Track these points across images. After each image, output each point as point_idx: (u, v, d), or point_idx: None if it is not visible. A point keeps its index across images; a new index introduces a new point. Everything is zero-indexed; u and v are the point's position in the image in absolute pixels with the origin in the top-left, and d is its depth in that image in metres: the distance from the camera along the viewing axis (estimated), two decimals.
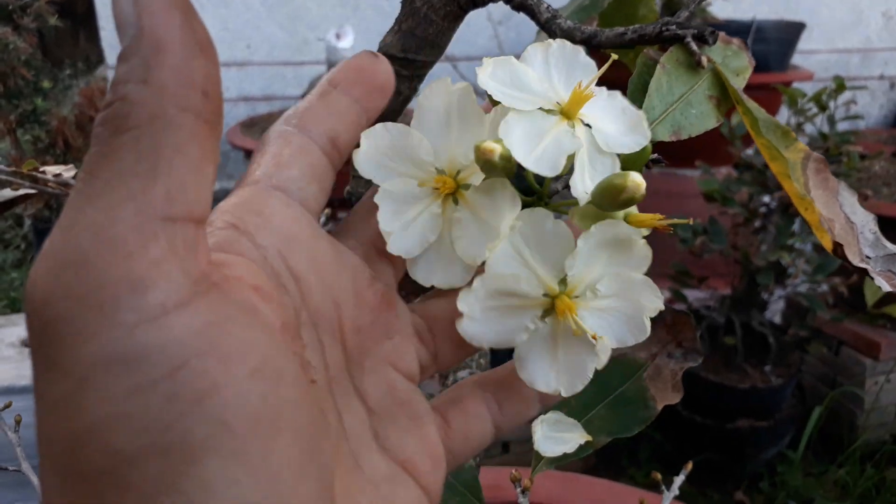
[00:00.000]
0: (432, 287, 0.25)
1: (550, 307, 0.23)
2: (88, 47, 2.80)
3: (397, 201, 0.24)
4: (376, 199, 0.24)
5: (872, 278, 0.26)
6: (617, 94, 0.24)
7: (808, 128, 1.32)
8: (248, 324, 0.18)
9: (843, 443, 1.55)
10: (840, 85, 1.21)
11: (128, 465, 0.16)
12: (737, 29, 2.03)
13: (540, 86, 0.23)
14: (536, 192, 0.24)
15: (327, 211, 0.60)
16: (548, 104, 0.23)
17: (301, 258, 0.21)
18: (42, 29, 2.06)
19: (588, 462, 1.51)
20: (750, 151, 1.61)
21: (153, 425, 0.16)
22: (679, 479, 0.39)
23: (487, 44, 2.20)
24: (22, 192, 0.50)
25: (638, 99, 0.26)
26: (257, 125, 2.12)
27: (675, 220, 0.22)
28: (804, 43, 2.49)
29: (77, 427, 0.16)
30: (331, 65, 2.00)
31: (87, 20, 2.95)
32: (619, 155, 0.23)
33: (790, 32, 2.11)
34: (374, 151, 0.24)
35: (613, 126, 0.23)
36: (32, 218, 2.10)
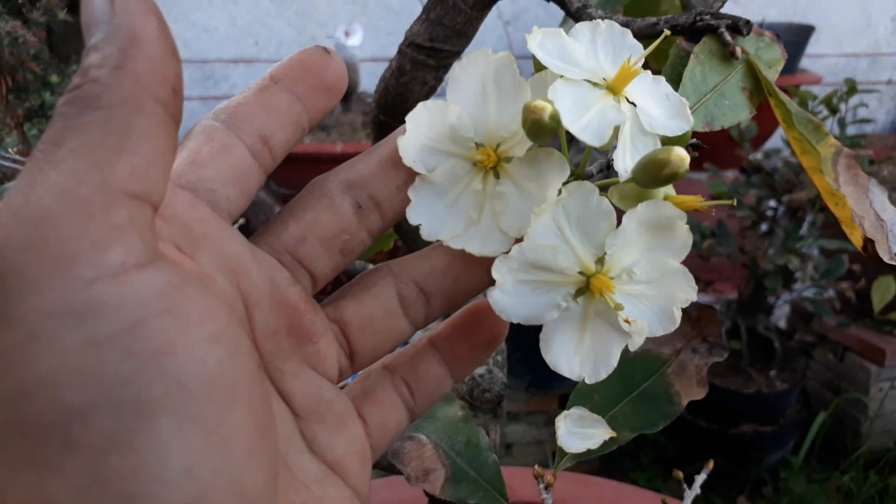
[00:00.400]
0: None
1: (584, 286, 0.22)
2: None
3: (435, 189, 0.23)
4: (410, 193, 0.23)
5: None
6: (661, 79, 0.23)
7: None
8: (206, 293, 0.18)
9: (847, 449, 1.54)
10: (851, 88, 1.21)
11: (78, 420, 0.16)
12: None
13: (587, 61, 0.23)
14: (572, 173, 0.23)
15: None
16: (595, 78, 0.22)
17: (206, 259, 0.20)
18: (51, 23, 2.06)
19: (591, 465, 1.50)
20: (759, 155, 1.61)
21: (107, 380, 0.16)
22: (701, 478, 0.39)
23: (497, 44, 2.20)
24: None
25: (673, 86, 0.26)
26: None
27: (718, 202, 0.22)
28: (813, 46, 2.48)
29: (25, 379, 0.16)
30: None
31: None
32: (660, 138, 0.22)
33: (799, 35, 2.11)
34: (417, 134, 0.23)
35: (657, 109, 0.23)
36: None
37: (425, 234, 0.23)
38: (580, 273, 0.22)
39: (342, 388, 0.25)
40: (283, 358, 0.22)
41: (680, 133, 0.22)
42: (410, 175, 0.24)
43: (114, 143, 0.17)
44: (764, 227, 1.37)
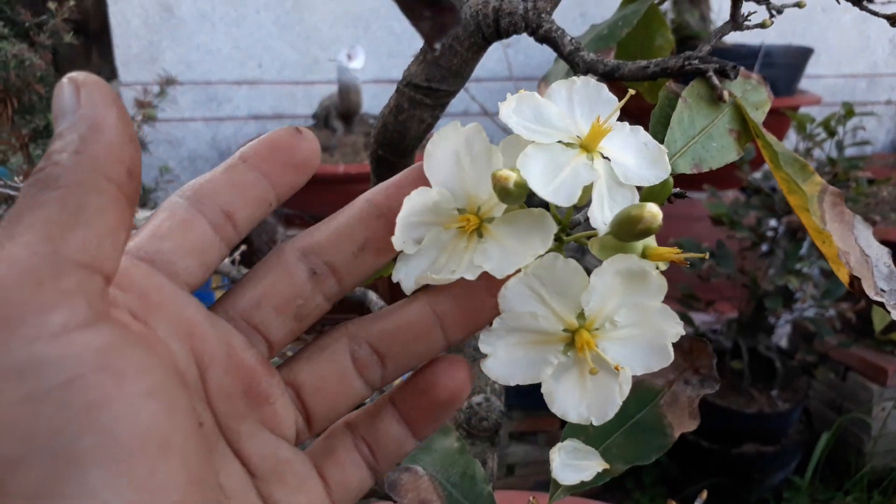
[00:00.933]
0: None
1: (572, 341, 0.23)
2: (101, 64, 2.83)
3: (421, 252, 0.24)
4: (399, 258, 0.24)
5: (889, 311, 0.26)
6: (639, 129, 0.24)
7: (817, 153, 1.32)
8: (147, 352, 0.19)
9: (851, 469, 1.54)
10: (849, 111, 1.22)
11: (10, 470, 0.16)
12: (745, 54, 2.05)
13: (562, 121, 0.24)
14: (558, 223, 0.24)
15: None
16: (568, 138, 0.23)
17: (161, 324, 0.21)
18: (57, 46, 2.08)
19: (594, 488, 1.50)
20: (758, 175, 1.62)
21: (41, 431, 0.17)
22: None
23: (496, 66, 2.22)
24: None
25: (660, 132, 0.27)
26: None
27: (693, 255, 0.23)
28: (812, 67, 2.50)
29: None
30: (341, 85, 2.01)
31: (100, 37, 2.97)
32: (641, 189, 0.23)
33: (798, 57, 2.12)
34: (403, 218, 0.24)
35: (634, 159, 0.24)
36: None
37: (407, 289, 0.24)
38: (565, 330, 0.23)
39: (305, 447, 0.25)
40: (239, 419, 0.23)
41: (657, 182, 0.23)
42: (367, 240, 0.24)
43: (68, 218, 0.18)
44: (764, 247, 1.38)
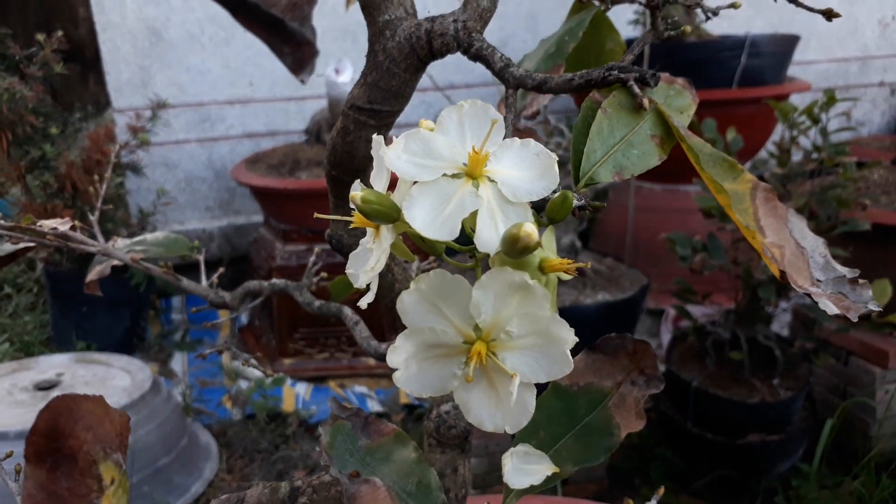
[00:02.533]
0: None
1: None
2: (98, 90, 2.86)
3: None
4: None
5: (816, 302, 0.27)
6: (530, 141, 0.25)
7: (803, 140, 1.33)
8: None
9: (858, 454, 1.54)
10: (830, 98, 1.22)
11: None
12: (731, 44, 2.05)
13: (449, 150, 0.25)
14: (472, 240, 0.25)
15: (318, 249, 0.61)
16: (455, 168, 0.24)
17: None
18: (48, 77, 2.10)
19: (601, 484, 1.50)
20: (748, 165, 1.62)
21: None
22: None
23: (486, 70, 2.23)
24: (21, 245, 0.52)
25: (581, 142, 0.28)
26: (261, 161, 2.15)
27: (580, 265, 0.24)
28: (802, 54, 2.50)
29: None
30: (331, 99, 2.02)
31: (95, 64, 3.00)
32: (548, 205, 0.24)
33: (785, 45, 2.13)
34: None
35: (523, 174, 0.24)
36: (44, 262, 2.13)
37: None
38: (465, 343, 0.24)
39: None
40: None
41: (546, 194, 0.24)
42: None
43: None
44: None
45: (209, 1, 2.52)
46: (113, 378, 1.57)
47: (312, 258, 0.56)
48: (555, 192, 0.25)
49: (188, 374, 2.03)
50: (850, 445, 1.55)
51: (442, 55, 0.32)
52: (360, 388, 1.92)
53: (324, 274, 0.56)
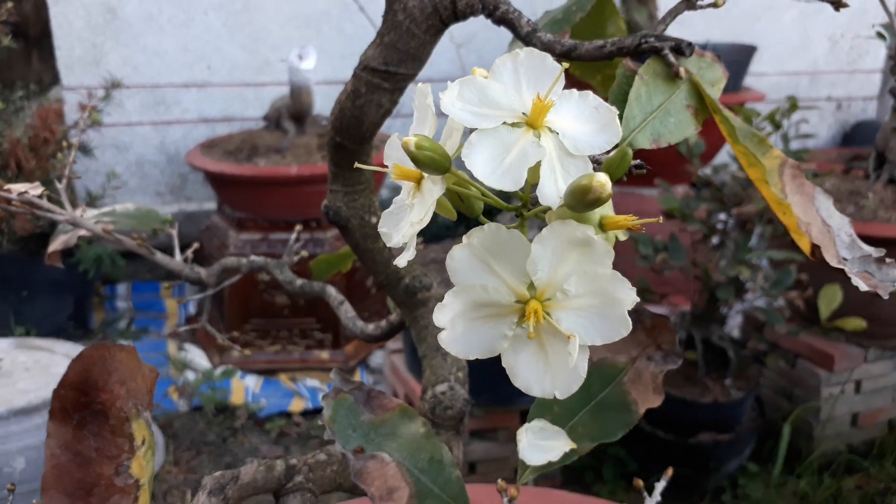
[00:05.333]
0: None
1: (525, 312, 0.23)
2: (41, 68, 2.75)
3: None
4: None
5: (850, 279, 0.26)
6: (588, 93, 0.24)
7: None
8: None
9: (802, 454, 1.58)
10: (793, 105, 1.25)
11: None
12: None
13: (506, 98, 0.23)
14: (520, 199, 0.24)
15: (299, 227, 0.59)
16: (514, 117, 0.23)
17: None
18: None
19: (553, 480, 1.51)
20: (708, 170, 1.65)
21: None
22: (661, 485, 0.40)
23: (449, 67, 2.22)
24: None
25: (619, 108, 0.27)
26: (217, 146, 2.10)
27: (648, 220, 0.23)
28: (755, 65, 2.56)
29: None
30: (293, 86, 1.99)
31: (40, 42, 2.89)
32: (601, 162, 0.23)
33: (742, 55, 2.18)
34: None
35: (583, 126, 0.23)
36: None
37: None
38: (518, 301, 0.23)
39: None
40: None
41: (608, 147, 0.23)
42: None
43: None
44: (715, 239, 1.40)
45: None
46: (56, 365, 1.51)
47: (294, 235, 0.54)
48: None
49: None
50: (795, 446, 1.59)
51: (465, 17, 0.31)
52: (312, 382, 1.90)
53: (304, 252, 0.54)
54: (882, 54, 3.23)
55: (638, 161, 0.26)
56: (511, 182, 0.22)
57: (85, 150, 2.11)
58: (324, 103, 2.30)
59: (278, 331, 1.99)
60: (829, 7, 0.43)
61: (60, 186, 0.56)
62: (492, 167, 0.22)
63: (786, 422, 1.55)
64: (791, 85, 3.15)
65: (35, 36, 2.95)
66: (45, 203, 0.50)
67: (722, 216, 1.41)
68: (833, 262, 0.27)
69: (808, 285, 1.33)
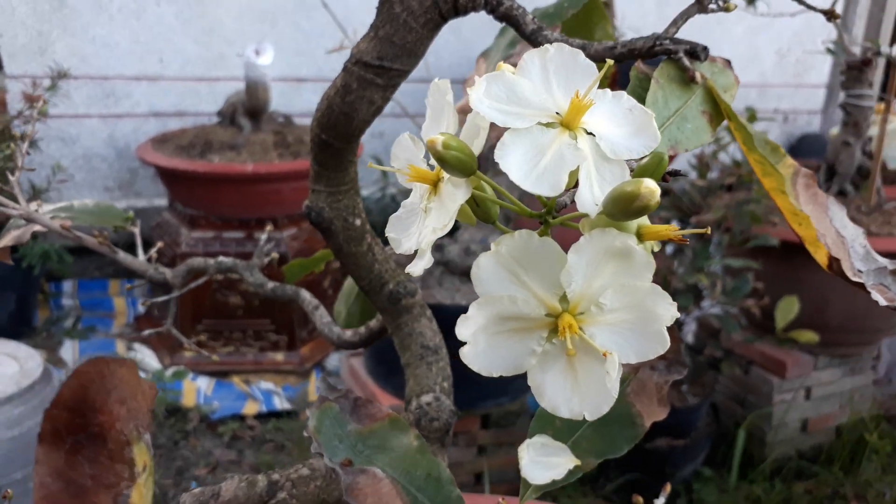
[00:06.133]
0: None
1: (556, 327, 0.21)
2: None
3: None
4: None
5: (869, 292, 0.26)
6: (622, 94, 0.23)
7: (722, 156, 1.37)
8: None
9: (754, 459, 1.61)
10: (752, 116, 1.27)
11: None
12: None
13: (538, 97, 0.22)
14: (544, 205, 0.22)
15: (269, 227, 0.57)
16: (547, 117, 0.22)
17: None
18: None
19: (515, 485, 1.50)
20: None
21: None
22: (660, 501, 0.39)
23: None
24: None
25: None
26: (169, 141, 2.04)
27: (692, 231, 0.22)
28: None
29: None
30: (249, 81, 1.95)
31: None
32: (635, 169, 0.22)
33: None
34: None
35: (619, 129, 0.22)
36: None
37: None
38: (548, 315, 0.21)
39: None
40: None
41: (646, 151, 0.22)
42: None
43: None
44: (671, 247, 1.42)
45: None
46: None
47: (265, 236, 0.52)
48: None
49: (79, 363, 1.90)
50: (748, 451, 1.62)
51: (466, 12, 0.29)
52: (267, 385, 1.86)
53: (275, 255, 0.52)
54: (826, 69, 3.33)
55: (672, 168, 0.25)
56: (549, 187, 0.20)
57: (29, 141, 2.03)
58: (279, 100, 2.26)
59: (231, 332, 1.95)
60: (776, 21, 0.43)
61: (13, 179, 0.53)
62: (527, 170, 0.20)
63: (739, 427, 1.58)
64: (741, 97, 3.22)
65: None
66: None
67: (679, 224, 1.42)
68: (850, 275, 0.27)
69: (764, 294, 1.36)
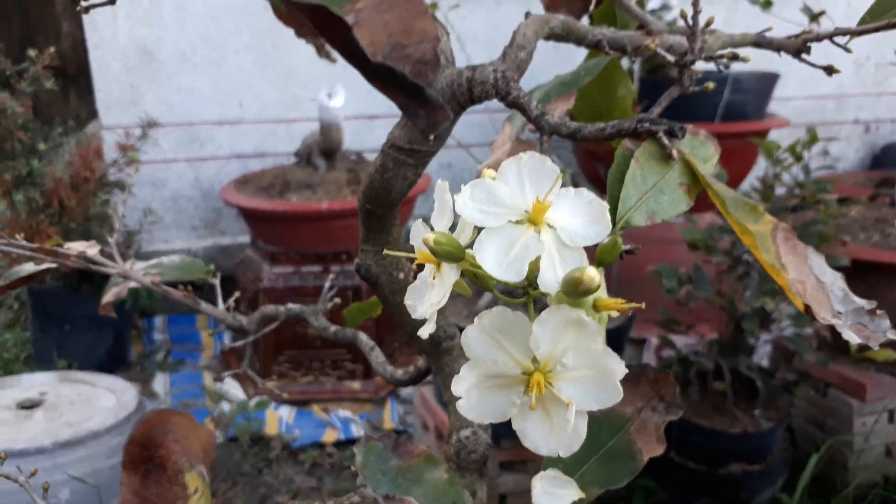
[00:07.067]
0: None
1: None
2: (79, 105, 2.86)
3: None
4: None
5: (841, 332, 0.29)
6: (583, 190, 0.27)
7: (786, 177, 1.37)
8: None
9: (836, 485, 1.57)
10: (813, 136, 1.27)
11: None
12: (714, 80, 2.11)
13: (511, 198, 0.27)
14: (527, 279, 0.27)
15: (332, 275, 0.62)
16: (517, 215, 0.26)
17: None
18: (38, 92, 2.10)
19: None
20: None
21: None
22: None
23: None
24: (44, 266, 0.53)
25: (616, 188, 0.30)
26: (250, 182, 2.16)
27: (634, 305, 0.26)
28: (781, 90, 2.57)
29: None
30: (323, 123, 2.05)
31: (77, 80, 3.00)
32: (597, 247, 0.26)
33: (765, 82, 2.19)
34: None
35: (578, 220, 0.27)
36: None
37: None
38: (524, 373, 0.26)
39: None
40: None
41: (599, 239, 0.26)
42: None
43: None
44: (739, 269, 1.42)
45: (200, 21, 2.54)
46: (98, 398, 1.56)
47: (328, 283, 0.58)
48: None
49: (170, 395, 2.02)
50: (829, 477, 1.58)
51: (481, 101, 0.34)
52: (345, 413, 1.93)
53: (337, 300, 0.58)
54: None
55: (629, 246, 0.29)
56: (515, 274, 0.25)
57: (123, 187, 2.19)
58: (353, 139, 2.36)
59: (311, 362, 2.03)
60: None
61: (112, 240, 0.60)
62: (498, 261, 0.25)
63: (823, 456, 1.54)
64: (817, 108, 3.15)
65: (73, 74, 3.07)
66: (100, 258, 0.54)
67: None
68: (828, 317, 0.30)
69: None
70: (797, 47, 0.44)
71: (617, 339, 1.67)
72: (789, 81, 2.94)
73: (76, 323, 2.05)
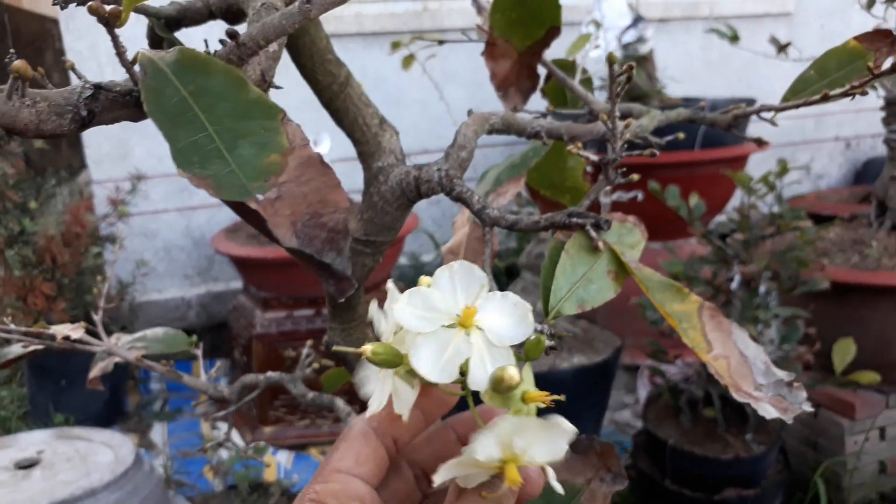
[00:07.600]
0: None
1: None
2: (70, 154, 2.89)
3: None
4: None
5: (756, 408, 0.31)
6: (508, 293, 0.30)
7: (761, 205, 1.40)
8: None
9: None
10: (783, 168, 1.30)
11: None
12: (690, 107, 2.15)
13: (444, 304, 0.29)
14: (462, 374, 0.29)
15: (310, 343, 0.65)
16: (449, 319, 0.29)
17: None
18: (28, 152, 2.14)
19: None
20: (712, 225, 1.69)
21: None
22: None
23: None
24: (31, 348, 0.55)
25: (549, 279, 0.32)
26: (240, 231, 2.19)
27: (556, 397, 0.28)
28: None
29: None
30: None
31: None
32: (524, 345, 0.29)
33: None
34: None
35: (505, 321, 0.29)
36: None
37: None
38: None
39: None
40: None
41: (523, 338, 0.29)
42: None
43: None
44: (722, 298, 1.44)
45: None
46: (95, 454, 1.57)
47: (306, 350, 0.60)
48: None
49: (168, 444, 2.03)
50: (825, 496, 1.59)
51: (428, 196, 0.37)
52: None
53: (315, 365, 0.60)
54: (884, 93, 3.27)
55: (552, 343, 0.31)
56: (448, 376, 0.27)
57: (113, 240, 2.22)
58: (342, 178, 2.38)
59: (306, 406, 2.04)
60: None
61: (97, 318, 0.62)
62: (432, 363, 0.27)
63: (814, 473, 1.56)
64: (797, 128, 3.20)
65: None
66: (86, 338, 0.57)
67: (729, 274, 1.45)
68: (750, 390, 0.32)
69: (816, 339, 1.36)
70: (727, 122, 0.47)
71: (607, 371, 1.69)
72: (770, 102, 3.00)
73: (72, 377, 2.06)
